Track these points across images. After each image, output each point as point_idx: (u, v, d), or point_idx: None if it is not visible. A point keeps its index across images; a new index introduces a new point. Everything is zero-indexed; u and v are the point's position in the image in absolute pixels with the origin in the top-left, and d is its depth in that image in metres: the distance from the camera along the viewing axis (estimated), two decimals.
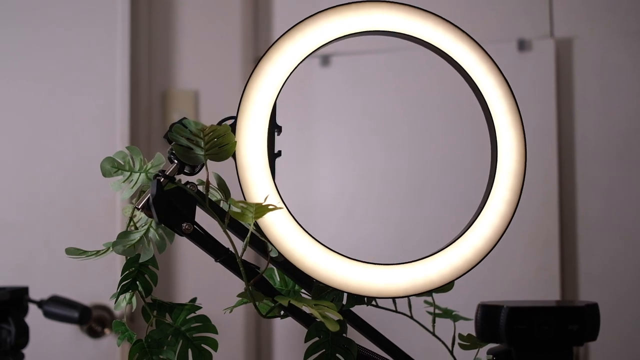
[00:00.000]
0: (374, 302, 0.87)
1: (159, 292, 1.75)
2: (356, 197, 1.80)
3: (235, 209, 0.77)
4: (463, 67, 0.85)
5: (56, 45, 1.75)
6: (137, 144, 1.76)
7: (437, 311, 0.96)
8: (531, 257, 1.67)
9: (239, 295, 0.82)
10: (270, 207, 0.76)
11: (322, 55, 1.82)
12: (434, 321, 0.94)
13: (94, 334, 1.64)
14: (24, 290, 1.33)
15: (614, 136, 1.68)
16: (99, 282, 1.63)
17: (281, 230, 0.80)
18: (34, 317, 1.41)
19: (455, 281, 0.85)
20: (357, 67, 1.82)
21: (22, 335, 1.28)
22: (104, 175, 0.86)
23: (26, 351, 1.30)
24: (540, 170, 1.67)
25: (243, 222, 0.79)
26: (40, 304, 1.42)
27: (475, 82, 0.85)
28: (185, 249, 1.76)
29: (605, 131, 1.69)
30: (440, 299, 0.95)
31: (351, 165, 1.82)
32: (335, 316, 0.77)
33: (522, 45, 1.71)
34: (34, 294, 1.41)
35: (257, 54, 1.88)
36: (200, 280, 1.76)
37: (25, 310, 1.33)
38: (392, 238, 1.75)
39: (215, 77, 1.85)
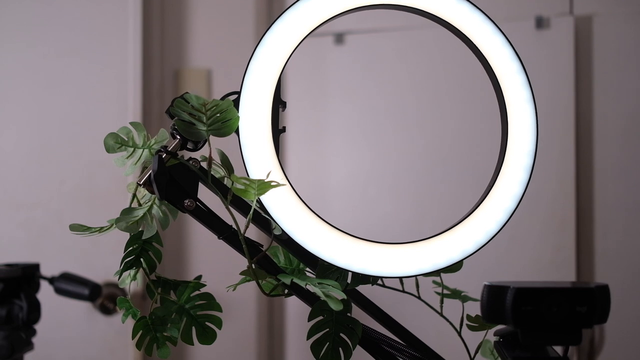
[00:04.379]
0: (379, 282, 0.86)
1: (170, 269, 1.76)
2: (369, 175, 1.78)
3: (238, 186, 0.76)
4: (473, 41, 0.83)
5: (68, 23, 1.74)
6: (149, 122, 1.75)
7: (445, 292, 0.95)
8: (547, 238, 1.64)
9: (241, 273, 0.81)
10: (273, 183, 0.75)
11: (336, 34, 1.80)
12: (441, 302, 0.93)
13: (106, 310, 1.65)
14: (36, 267, 1.34)
15: (633, 115, 1.65)
16: (111, 259, 1.63)
17: (285, 207, 0.78)
18: (47, 293, 1.42)
19: (469, 262, 0.83)
20: (371, 45, 1.80)
21: (34, 311, 1.29)
22: (107, 151, 0.85)
23: (38, 327, 1.31)
24: (557, 149, 1.64)
25: (246, 199, 0.78)
26: (51, 280, 1.43)
27: (485, 56, 0.83)
28: (196, 226, 1.76)
29: (623, 110, 1.65)
30: (453, 280, 0.93)
31: (365, 144, 1.80)
32: (339, 295, 0.76)
33: (540, 23, 1.67)
34: (46, 271, 1.42)
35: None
36: (211, 258, 1.76)
37: (36, 287, 1.34)
38: (406, 217, 1.73)
39: (228, 56, 1.84)
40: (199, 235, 1.79)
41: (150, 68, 1.79)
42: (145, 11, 1.76)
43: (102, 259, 1.65)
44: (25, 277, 1.30)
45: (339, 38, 1.80)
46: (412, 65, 1.77)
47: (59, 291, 1.43)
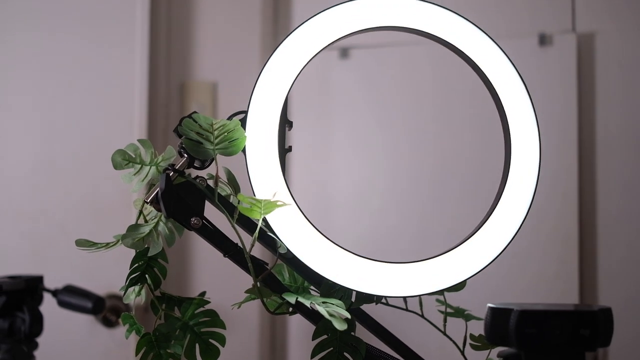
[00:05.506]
0: (383, 300, 0.86)
1: (174, 285, 1.76)
2: (375, 190, 1.78)
3: (244, 205, 0.77)
4: (476, 62, 0.83)
5: (76, 36, 1.75)
6: (155, 135, 1.76)
7: (448, 310, 0.95)
8: (550, 254, 1.64)
9: (247, 292, 0.82)
10: (278, 203, 0.75)
11: (341, 48, 1.81)
12: (445, 320, 0.93)
13: (109, 323, 1.65)
14: (39, 279, 1.34)
15: (635, 132, 1.65)
16: (115, 271, 1.62)
17: (290, 226, 0.79)
18: (49, 305, 1.42)
19: (473, 277, 0.84)
20: (376, 59, 1.81)
21: (37, 323, 1.29)
22: (115, 167, 0.85)
23: (41, 340, 1.31)
24: (560, 165, 1.64)
25: (252, 218, 0.79)
26: (54, 293, 1.43)
27: (487, 76, 0.84)
28: (201, 242, 1.76)
29: (626, 127, 1.66)
30: (457, 296, 0.93)
31: (370, 159, 1.80)
32: (344, 314, 0.76)
33: (544, 40, 1.68)
34: (50, 282, 1.42)
35: (276, 45, 1.87)
36: (216, 274, 1.76)
37: (40, 299, 1.34)
38: (411, 232, 1.73)
39: (234, 69, 1.85)
40: (204, 251, 1.79)
41: (156, 80, 1.80)
42: (152, 24, 1.77)
43: (106, 271, 1.65)
44: (29, 289, 1.30)
45: (344, 52, 1.81)
46: (417, 80, 1.78)
47: (62, 304, 1.43)
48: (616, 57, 1.67)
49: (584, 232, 1.65)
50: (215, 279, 1.74)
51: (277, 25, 1.91)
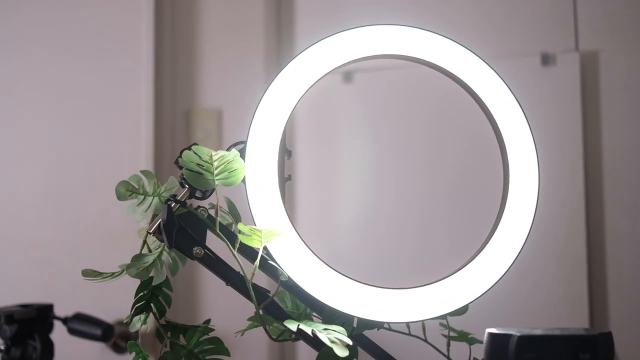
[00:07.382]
0: (385, 325, 0.87)
1: (182, 312, 1.77)
2: (379, 214, 1.78)
3: (244, 234, 0.78)
4: (472, 89, 0.85)
5: (82, 65, 1.78)
6: (161, 162, 1.78)
7: (452, 334, 0.95)
8: (558, 275, 1.63)
9: (249, 319, 0.82)
10: (278, 231, 0.76)
11: (345, 72, 1.82)
12: (448, 344, 0.93)
13: (119, 349, 1.66)
14: (49, 308, 1.36)
15: None
16: (124, 298, 1.63)
17: (291, 254, 0.80)
18: (60, 333, 1.43)
19: (478, 300, 0.84)
20: (380, 83, 1.82)
21: (48, 351, 1.31)
22: (119, 198, 0.87)
23: None
24: (566, 185, 1.64)
25: (253, 246, 0.80)
26: (64, 320, 1.44)
27: (484, 101, 0.85)
28: (208, 270, 1.77)
29: (632, 146, 1.65)
30: (461, 319, 0.93)
31: (375, 183, 1.80)
32: (345, 341, 0.77)
33: (546, 59, 1.69)
34: (60, 309, 1.43)
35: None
36: (224, 299, 1.76)
37: (50, 327, 1.35)
38: (416, 256, 1.73)
39: (238, 96, 1.87)
40: (211, 278, 1.79)
41: (162, 108, 1.82)
42: (157, 52, 1.79)
43: (115, 298, 1.65)
44: (40, 318, 1.32)
45: (348, 76, 1.83)
46: (423, 103, 1.78)
47: (72, 331, 1.45)
48: (620, 75, 1.67)
49: (592, 254, 1.64)
50: (223, 305, 1.75)
51: (281, 53, 1.93)
